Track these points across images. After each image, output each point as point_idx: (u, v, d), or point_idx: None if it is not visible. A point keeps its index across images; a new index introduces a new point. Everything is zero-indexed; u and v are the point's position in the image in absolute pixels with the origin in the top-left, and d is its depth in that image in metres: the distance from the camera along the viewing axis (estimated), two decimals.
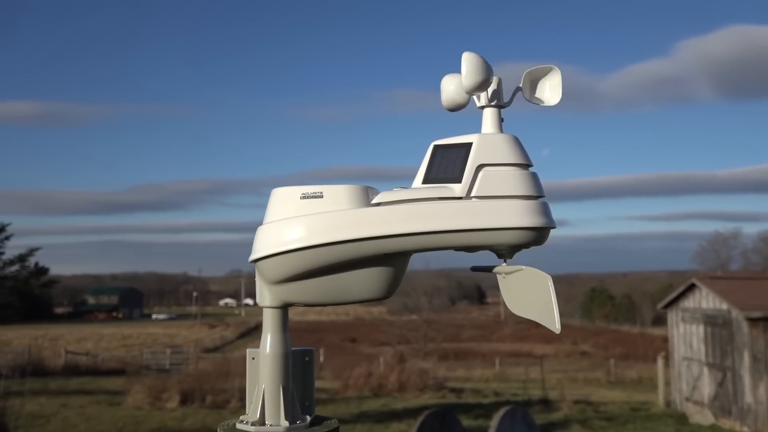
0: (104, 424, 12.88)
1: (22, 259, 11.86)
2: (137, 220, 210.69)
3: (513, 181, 1.12)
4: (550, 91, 1.19)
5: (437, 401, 17.09)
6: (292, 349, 1.25)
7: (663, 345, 25.35)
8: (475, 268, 1.26)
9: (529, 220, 1.11)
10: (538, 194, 1.14)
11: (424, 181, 1.16)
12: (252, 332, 60.21)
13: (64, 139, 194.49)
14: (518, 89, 1.20)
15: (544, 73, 1.19)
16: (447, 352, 38.28)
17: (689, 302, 17.03)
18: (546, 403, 17.25)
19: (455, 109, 1.22)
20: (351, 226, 1.14)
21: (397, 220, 1.13)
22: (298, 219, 1.16)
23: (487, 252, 1.20)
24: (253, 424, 1.19)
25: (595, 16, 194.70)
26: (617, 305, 69.14)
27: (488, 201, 1.12)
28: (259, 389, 1.21)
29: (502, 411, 7.58)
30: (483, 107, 1.19)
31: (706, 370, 16.01)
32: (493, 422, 7.36)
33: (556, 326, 1.09)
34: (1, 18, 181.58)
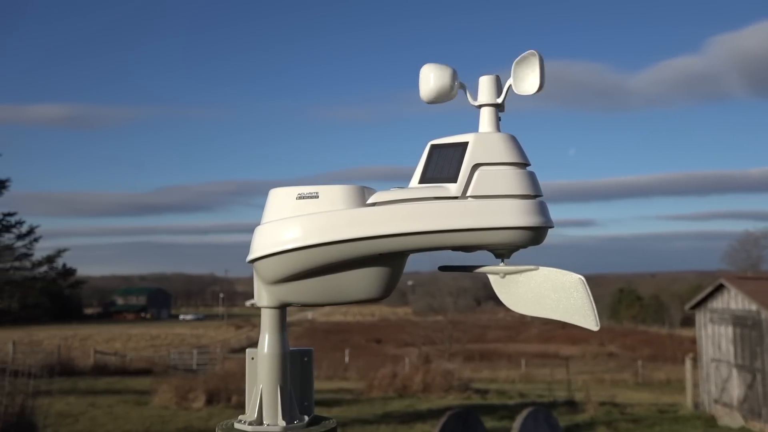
0: (131, 423, 13.02)
1: (50, 260, 12.07)
2: (165, 222, 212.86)
3: (509, 180, 1.11)
4: (531, 77, 1.15)
5: (462, 402, 17.04)
6: (291, 349, 1.25)
7: (692, 346, 25.02)
8: (444, 268, 1.24)
9: (525, 219, 1.10)
10: (535, 193, 1.13)
11: (421, 181, 1.16)
12: None
13: (93, 141, 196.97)
14: (509, 86, 1.18)
15: (526, 60, 1.15)
16: (472, 353, 38.16)
17: (718, 303, 16.80)
18: (571, 405, 17.12)
19: (438, 102, 1.19)
20: (346, 226, 1.14)
21: (392, 220, 1.13)
22: (293, 219, 1.17)
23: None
24: (250, 423, 1.20)
25: (624, 12, 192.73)
26: (645, 306, 68.46)
27: (484, 200, 1.11)
28: (257, 389, 1.22)
29: (524, 412, 7.52)
30: (480, 106, 1.19)
31: (735, 371, 15.78)
32: (516, 423, 7.31)
33: (595, 324, 1.08)
34: (28, 21, 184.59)
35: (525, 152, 1.16)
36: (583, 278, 1.09)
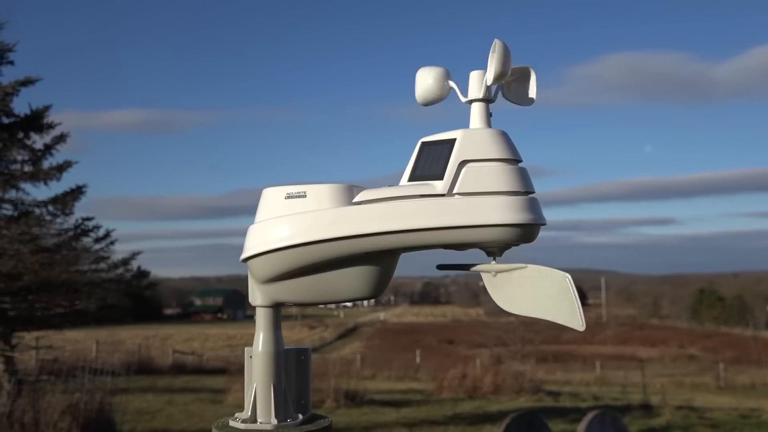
0: (205, 421, 13.33)
1: (125, 262, 12.53)
2: (240, 224, 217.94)
3: (497, 176, 1.09)
4: (525, 91, 1.18)
5: (533, 404, 16.78)
6: (288, 347, 1.27)
7: None
8: (441, 267, 1.23)
9: (514, 216, 1.08)
10: (525, 190, 1.10)
11: (410, 179, 1.15)
12: (350, 333, 61.03)
13: (168, 145, 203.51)
14: (501, 85, 1.17)
15: (521, 73, 1.18)
16: (546, 354, 37.57)
17: None
18: (647, 409, 16.63)
19: (431, 103, 1.21)
20: (330, 225, 1.14)
21: (376, 219, 1.12)
22: (281, 219, 1.18)
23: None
24: (244, 421, 1.22)
25: None
26: (728, 307, 66.02)
27: (471, 197, 1.09)
28: (252, 387, 1.23)
29: (590, 415, 7.33)
30: (471, 101, 1.17)
31: None
32: (581, 427, 7.15)
33: (580, 324, 1.06)
34: (100, 32, 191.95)
35: (516, 148, 1.14)
36: (568, 276, 1.06)
